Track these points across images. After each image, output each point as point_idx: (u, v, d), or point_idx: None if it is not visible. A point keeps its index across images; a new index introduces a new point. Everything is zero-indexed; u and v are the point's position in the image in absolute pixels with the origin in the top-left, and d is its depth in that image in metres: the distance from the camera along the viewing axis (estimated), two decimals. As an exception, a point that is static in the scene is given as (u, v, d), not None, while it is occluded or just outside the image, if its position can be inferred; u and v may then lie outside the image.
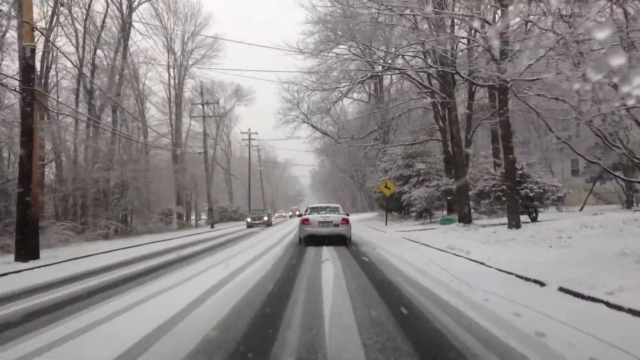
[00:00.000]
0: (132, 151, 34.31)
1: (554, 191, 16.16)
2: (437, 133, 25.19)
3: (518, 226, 13.67)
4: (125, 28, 31.60)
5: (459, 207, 17.22)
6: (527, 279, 7.01)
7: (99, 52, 30.38)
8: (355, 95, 41.45)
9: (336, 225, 14.22)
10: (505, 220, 16.61)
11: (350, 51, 17.11)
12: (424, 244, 13.26)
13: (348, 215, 15.60)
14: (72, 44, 27.60)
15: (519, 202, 14.23)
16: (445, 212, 24.09)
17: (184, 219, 44.59)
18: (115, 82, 30.49)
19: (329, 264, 9.57)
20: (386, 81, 40.94)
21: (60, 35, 25.06)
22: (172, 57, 43.25)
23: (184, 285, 7.57)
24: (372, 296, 6.16)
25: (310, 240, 14.44)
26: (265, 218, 33.54)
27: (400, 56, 22.14)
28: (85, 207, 25.03)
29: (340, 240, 14.32)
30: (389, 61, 17.80)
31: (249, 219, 33.03)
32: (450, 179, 21.52)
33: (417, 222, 23.03)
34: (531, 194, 15.43)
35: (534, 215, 16.48)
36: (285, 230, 27.02)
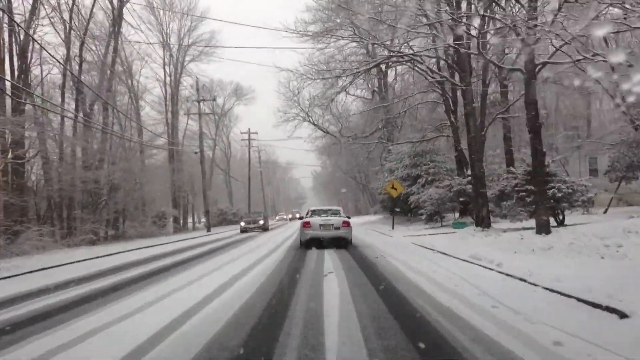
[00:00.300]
0: (124, 150, 32.72)
1: (583, 191, 14.42)
2: (447, 129, 23.45)
3: (548, 231, 11.94)
4: (116, 22, 29.92)
5: (476, 209, 15.50)
6: (595, 305, 5.29)
7: (90, 46, 28.89)
8: (358, 92, 40.02)
9: (337, 228, 14.16)
10: (527, 224, 14.90)
11: (355, 33, 15.33)
12: (442, 252, 11.55)
13: (349, 217, 15.44)
14: (61, 37, 26.03)
15: (547, 204, 12.50)
16: (457, 215, 22.38)
17: (181, 222, 42.92)
18: (105, 78, 28.90)
19: (332, 279, 7.86)
20: (390, 78, 39.43)
21: (43, 25, 23.40)
22: (168, 53, 41.67)
23: (139, 315, 5.78)
24: (395, 337, 4.44)
25: (311, 243, 14.19)
26: (261, 222, 29.77)
27: (407, 45, 20.48)
28: (71, 210, 23.39)
29: (341, 242, 14.20)
30: (396, 48, 16.02)
31: (242, 223, 29.59)
32: (463, 178, 19.81)
33: (427, 226, 21.31)
34: (559, 195, 13.69)
35: (561, 218, 14.75)
36: (286, 233, 25.31)
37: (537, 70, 11.90)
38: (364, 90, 41.52)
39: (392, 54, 16.14)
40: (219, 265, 10.85)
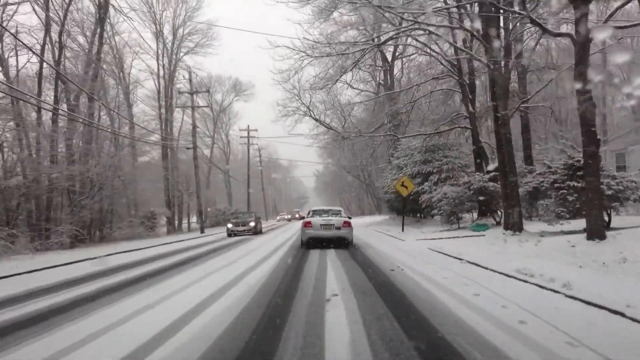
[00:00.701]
0: (115, 147, 30.58)
1: (633, 189, 12.10)
2: (463, 121, 21.12)
3: (602, 236, 9.63)
4: (102, 6, 27.61)
5: (505, 209, 13.15)
6: None
7: (74, 33, 26.68)
8: (362, 86, 37.67)
9: (338, 228, 14.22)
10: (568, 227, 12.58)
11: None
12: (473, 263, 9.23)
13: (350, 218, 15.54)
14: (41, 20, 23.77)
15: (602, 203, 10.19)
16: (474, 216, 20.05)
17: (175, 222, 40.63)
18: (91, 68, 26.65)
19: (337, 309, 5.53)
20: (397, 71, 37.17)
21: (18, 2, 21.12)
22: (162, 43, 39.37)
23: None
24: None
25: (312, 242, 14.28)
26: (252, 224, 24.67)
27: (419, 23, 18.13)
28: (48, 210, 21.13)
29: (342, 242, 14.27)
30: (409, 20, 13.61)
31: (229, 225, 24.78)
32: (484, 174, 17.50)
33: (442, 228, 18.97)
34: (608, 192, 11.38)
35: (607, 219, 12.40)
36: (283, 236, 22.93)
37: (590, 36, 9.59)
38: (367, 84, 39.29)
39: (404, 24, 13.71)
40: (200, 276, 8.56)
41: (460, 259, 10.06)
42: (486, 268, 8.50)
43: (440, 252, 11.82)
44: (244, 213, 27.47)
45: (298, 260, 11.37)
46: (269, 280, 8.05)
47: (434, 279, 7.65)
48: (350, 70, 15.96)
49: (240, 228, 24.15)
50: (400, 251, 12.93)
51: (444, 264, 9.69)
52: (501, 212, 17.73)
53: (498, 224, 17.24)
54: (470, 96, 19.01)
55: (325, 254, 12.38)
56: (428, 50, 19.01)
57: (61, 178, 19.29)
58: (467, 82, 19.45)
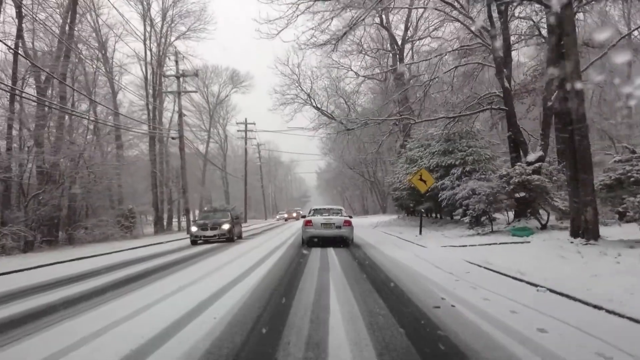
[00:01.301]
0: (98, 137, 27.43)
1: None
2: (495, 102, 17.68)
3: None
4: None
5: (575, 208, 9.65)
6: None
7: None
8: (367, 72, 34.25)
9: (338, 227, 14.31)
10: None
11: None
12: (565, 295, 5.77)
13: (351, 217, 15.52)
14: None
15: None
16: (510, 216, 16.65)
17: (164, 222, 37.22)
18: (63, 46, 23.31)
19: None
20: (406, 53, 33.80)
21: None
22: (150, 25, 35.96)
23: None
24: None
25: (313, 241, 14.31)
26: (226, 227, 18.06)
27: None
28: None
29: (342, 241, 14.32)
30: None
31: (193, 229, 18.58)
32: (527, 165, 14.05)
33: (472, 231, 15.49)
34: None
35: None
36: (273, 242, 19.40)
37: None
38: (374, 71, 35.80)
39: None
40: (154, 300, 5.11)
41: (532, 284, 6.61)
42: (598, 307, 5.02)
43: (489, 269, 8.42)
44: (217, 211, 19.97)
45: (287, 281, 7.98)
46: (220, 340, 4.51)
47: (528, 336, 4.18)
48: (362, 22, 12.46)
49: (209, 233, 17.86)
50: (428, 264, 9.55)
51: (509, 292, 6.25)
52: (548, 212, 14.37)
53: (543, 227, 13.85)
54: (505, 70, 15.58)
55: (327, 270, 8.99)
56: (449, 10, 15.49)
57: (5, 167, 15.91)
58: (501, 56, 16.03)
